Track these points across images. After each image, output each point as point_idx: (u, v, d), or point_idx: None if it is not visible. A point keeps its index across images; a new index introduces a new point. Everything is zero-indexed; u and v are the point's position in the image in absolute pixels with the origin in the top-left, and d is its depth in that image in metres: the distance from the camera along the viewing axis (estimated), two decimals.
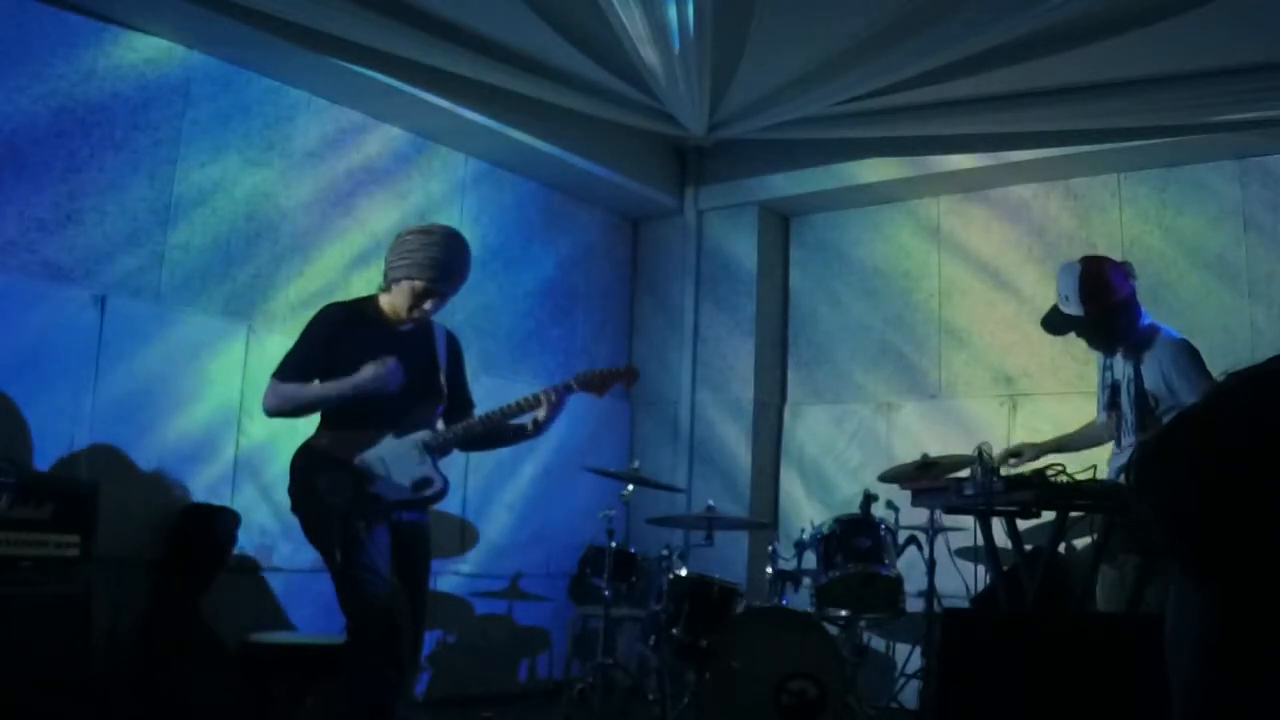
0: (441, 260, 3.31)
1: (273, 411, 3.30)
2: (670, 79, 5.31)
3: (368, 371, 3.21)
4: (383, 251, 3.47)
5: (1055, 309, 3.73)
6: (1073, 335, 3.85)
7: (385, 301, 3.40)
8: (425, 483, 3.32)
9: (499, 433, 3.49)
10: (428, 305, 3.35)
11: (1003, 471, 3.61)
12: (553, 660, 5.96)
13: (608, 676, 4.86)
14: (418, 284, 3.30)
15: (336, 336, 3.32)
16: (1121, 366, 3.69)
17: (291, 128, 5.01)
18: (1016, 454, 3.97)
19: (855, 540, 4.52)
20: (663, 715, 4.45)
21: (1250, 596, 0.98)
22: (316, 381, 3.29)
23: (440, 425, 3.48)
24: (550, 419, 3.42)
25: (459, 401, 3.55)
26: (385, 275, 3.39)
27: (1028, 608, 3.49)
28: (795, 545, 4.69)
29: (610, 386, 3.50)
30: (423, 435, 3.36)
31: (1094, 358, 3.97)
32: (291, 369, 3.29)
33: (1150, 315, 3.73)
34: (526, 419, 3.43)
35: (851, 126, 5.65)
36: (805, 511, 5.95)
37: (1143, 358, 3.61)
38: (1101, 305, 3.59)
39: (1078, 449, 3.94)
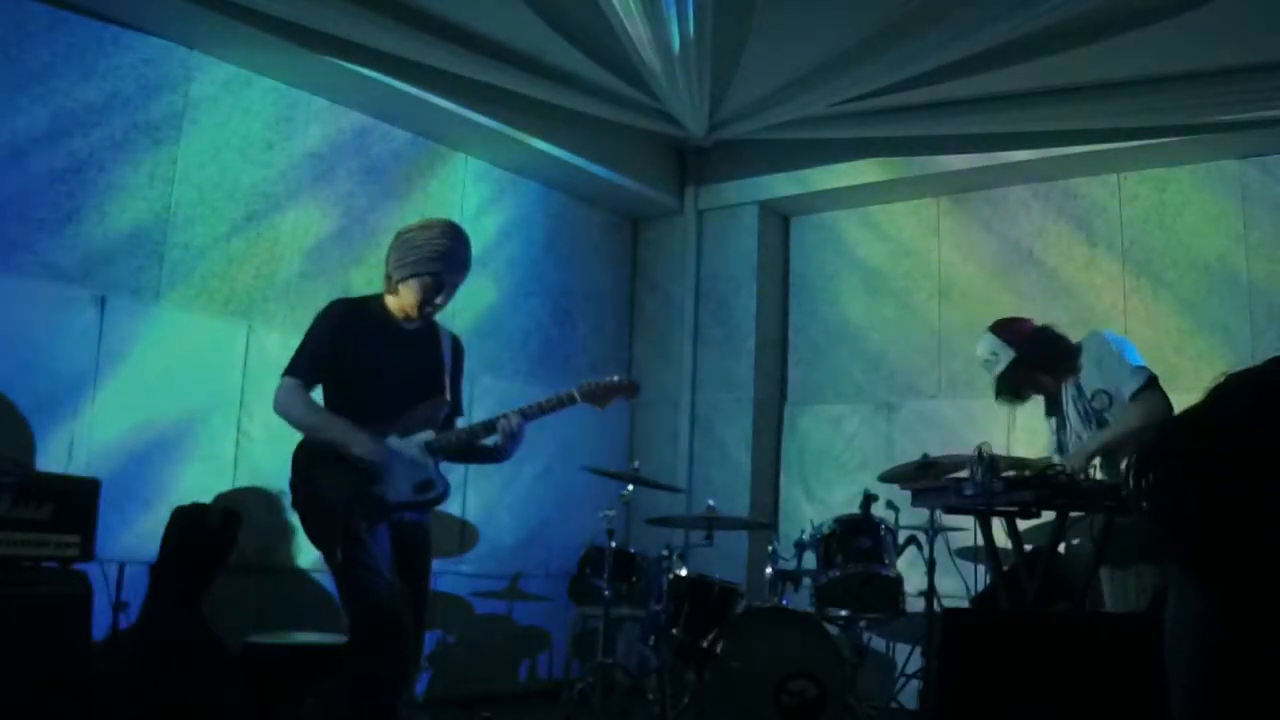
0: (448, 251, 3.32)
1: (279, 414, 3.30)
2: (670, 79, 5.31)
3: (370, 445, 3.20)
4: (383, 251, 3.46)
5: (997, 379, 3.81)
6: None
7: (392, 302, 3.39)
8: (427, 485, 3.32)
9: (470, 449, 3.47)
10: (439, 299, 3.35)
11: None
12: (553, 660, 5.96)
13: (608, 676, 4.86)
14: (427, 279, 3.30)
15: (343, 332, 3.32)
16: (1067, 396, 3.78)
17: (292, 128, 5.01)
18: None
19: (855, 540, 4.52)
20: (663, 715, 4.44)
21: (1251, 600, 0.98)
22: (324, 406, 3.31)
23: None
24: (510, 447, 3.38)
25: (452, 406, 3.54)
26: (389, 276, 3.38)
27: (1028, 608, 3.49)
28: (795, 545, 4.69)
29: (612, 400, 3.50)
30: (425, 437, 3.35)
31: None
32: (303, 365, 3.28)
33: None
34: (490, 441, 3.40)
35: (851, 126, 5.65)
36: (805, 511, 5.94)
37: (1078, 373, 3.71)
38: (1022, 336, 3.75)
39: None
